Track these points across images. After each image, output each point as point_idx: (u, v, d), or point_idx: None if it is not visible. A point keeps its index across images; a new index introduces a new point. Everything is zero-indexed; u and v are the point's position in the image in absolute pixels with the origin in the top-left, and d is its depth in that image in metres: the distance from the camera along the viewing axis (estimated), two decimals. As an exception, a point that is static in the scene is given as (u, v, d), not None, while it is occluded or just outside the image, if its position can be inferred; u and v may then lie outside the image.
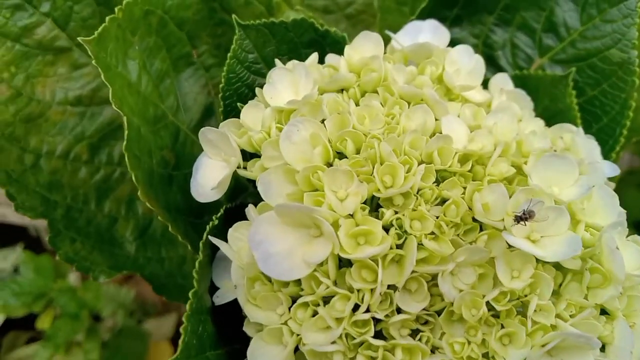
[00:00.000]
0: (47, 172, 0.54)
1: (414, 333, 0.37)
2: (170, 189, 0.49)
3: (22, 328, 0.95)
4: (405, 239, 0.36)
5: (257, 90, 0.44)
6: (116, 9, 0.46)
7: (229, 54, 0.49)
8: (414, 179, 0.36)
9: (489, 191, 0.37)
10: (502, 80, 0.48)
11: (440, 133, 0.39)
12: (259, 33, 0.50)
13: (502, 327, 0.35)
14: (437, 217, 0.37)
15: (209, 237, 0.39)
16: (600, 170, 0.39)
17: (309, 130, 0.39)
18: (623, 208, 0.38)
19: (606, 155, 0.52)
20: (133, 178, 0.43)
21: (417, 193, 0.37)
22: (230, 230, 0.40)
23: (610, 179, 0.42)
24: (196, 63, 0.55)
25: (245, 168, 0.43)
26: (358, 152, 0.39)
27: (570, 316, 0.35)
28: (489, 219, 0.36)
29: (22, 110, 0.51)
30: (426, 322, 0.37)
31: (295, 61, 0.45)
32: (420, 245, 0.36)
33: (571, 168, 0.37)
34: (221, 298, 0.41)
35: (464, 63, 0.45)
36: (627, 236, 0.40)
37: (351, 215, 0.36)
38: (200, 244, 0.40)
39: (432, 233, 0.36)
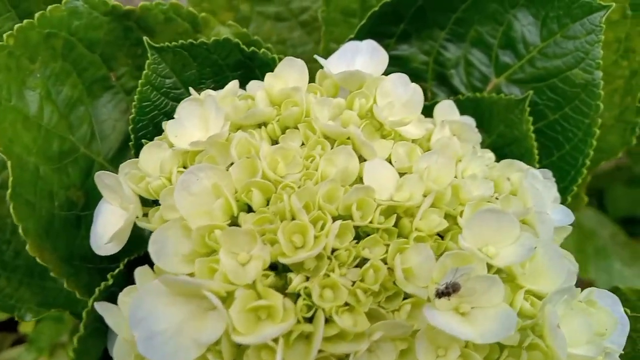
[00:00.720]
0: None
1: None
2: (78, 233, 0.44)
3: (7, 330, 0.91)
4: (316, 311, 0.31)
5: (164, 125, 0.39)
6: (5, 36, 0.40)
7: (140, 81, 0.43)
8: (325, 240, 0.31)
9: (414, 252, 0.32)
10: (447, 109, 0.43)
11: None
12: (177, 56, 0.44)
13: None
14: (354, 284, 0.31)
15: (95, 304, 0.34)
16: (549, 222, 0.34)
17: (211, 179, 0.34)
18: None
19: (567, 188, 0.47)
20: (20, 230, 0.38)
21: (332, 254, 0.32)
22: (120, 295, 0.34)
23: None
24: (115, 86, 0.49)
25: (147, 215, 0.37)
26: (268, 203, 0.34)
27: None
28: (413, 286, 0.31)
29: None
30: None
31: (208, 91, 0.40)
32: (331, 320, 0.30)
33: (510, 224, 0.32)
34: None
35: (399, 94, 0.39)
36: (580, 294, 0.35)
37: (253, 285, 0.31)
38: (84, 314, 0.34)
39: (346, 304, 0.31)
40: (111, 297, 0.36)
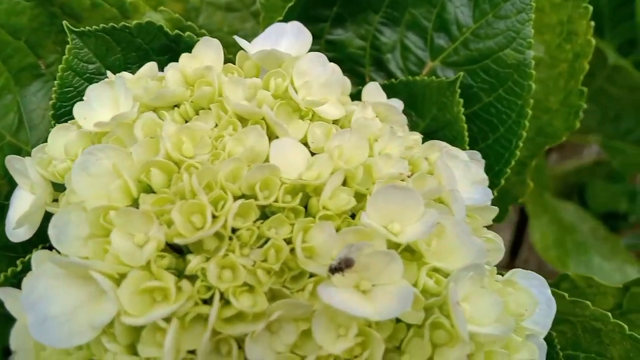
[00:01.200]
0: None
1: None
2: (1, 222, 0.43)
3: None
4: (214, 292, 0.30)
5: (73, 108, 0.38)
6: None
7: (60, 66, 0.42)
8: (224, 219, 0.30)
9: (318, 231, 0.31)
10: (374, 91, 0.42)
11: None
12: (99, 40, 0.43)
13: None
14: (254, 264, 0.30)
15: (-3, 289, 0.33)
16: (460, 200, 0.33)
17: (111, 159, 0.33)
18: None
19: (502, 170, 0.46)
20: None
21: (234, 234, 0.31)
22: (24, 279, 0.33)
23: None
24: (45, 75, 0.48)
25: (57, 200, 0.37)
26: (169, 185, 0.33)
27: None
28: (315, 264, 0.30)
29: None
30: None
31: (123, 74, 0.39)
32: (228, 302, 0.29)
33: (415, 202, 0.31)
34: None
35: (317, 74, 0.38)
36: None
37: (147, 266, 0.30)
38: (-18, 299, 0.33)
39: (247, 284, 0.30)
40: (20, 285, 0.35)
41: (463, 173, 0.37)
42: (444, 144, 0.39)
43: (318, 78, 0.38)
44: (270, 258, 0.31)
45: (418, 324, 0.30)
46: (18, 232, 0.37)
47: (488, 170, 0.45)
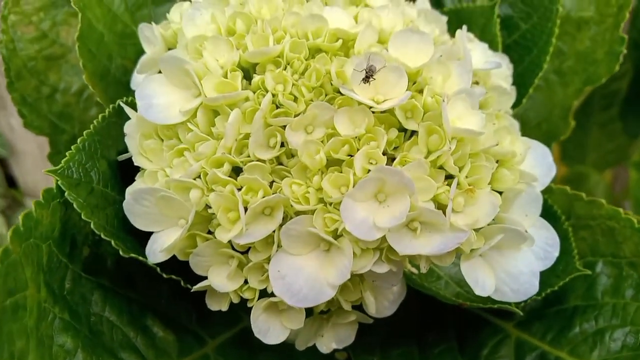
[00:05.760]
0: (61, 104, 0.63)
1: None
2: (126, 92, 0.57)
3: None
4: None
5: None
6: None
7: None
8: (280, 45, 0.41)
9: (349, 63, 0.41)
10: (421, 2, 0.52)
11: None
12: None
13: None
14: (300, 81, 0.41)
15: (120, 102, 0.46)
16: (468, 54, 0.42)
17: (210, 13, 0.45)
18: None
19: (531, 82, 0.54)
20: (81, 64, 0.51)
21: (288, 64, 0.42)
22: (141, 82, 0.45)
23: None
24: (174, 1, 0.63)
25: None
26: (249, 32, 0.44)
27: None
28: (344, 87, 0.40)
29: (45, 49, 0.61)
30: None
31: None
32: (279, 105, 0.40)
33: (427, 45, 0.40)
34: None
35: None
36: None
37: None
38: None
39: (292, 94, 0.41)
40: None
41: (481, 53, 0.45)
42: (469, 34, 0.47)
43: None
44: (312, 79, 0.41)
45: (414, 129, 0.39)
46: (139, 78, 0.50)
47: (521, 87, 0.53)
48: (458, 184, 0.38)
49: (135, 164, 0.43)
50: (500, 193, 0.41)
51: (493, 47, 0.53)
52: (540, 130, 0.65)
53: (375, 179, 0.36)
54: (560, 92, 0.65)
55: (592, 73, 0.63)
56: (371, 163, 0.38)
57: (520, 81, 0.53)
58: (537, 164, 0.44)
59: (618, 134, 1.01)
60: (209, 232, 0.41)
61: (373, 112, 0.38)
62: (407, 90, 0.39)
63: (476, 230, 0.38)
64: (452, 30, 0.53)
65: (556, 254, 0.42)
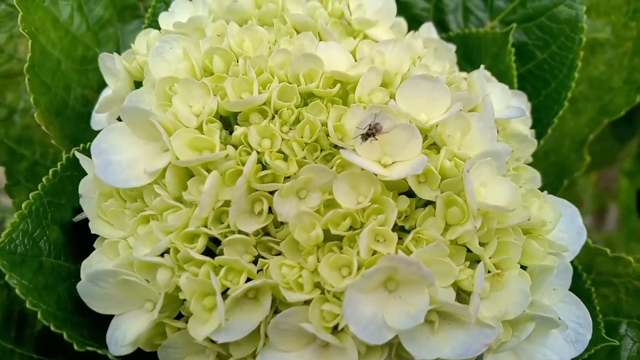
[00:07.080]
0: (19, 126, 0.56)
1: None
2: (87, 127, 0.49)
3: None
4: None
5: (159, 18, 0.44)
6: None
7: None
8: (267, 94, 0.34)
9: (349, 114, 0.34)
10: (426, 30, 0.45)
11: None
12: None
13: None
14: (290, 137, 0.34)
15: (75, 152, 0.38)
16: (489, 102, 0.35)
17: (182, 47, 0.38)
18: None
19: (550, 122, 0.48)
20: (31, 100, 0.44)
21: (276, 114, 0.35)
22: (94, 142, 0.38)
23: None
24: (143, 16, 0.56)
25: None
26: (228, 72, 0.37)
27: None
28: (342, 142, 0.33)
29: (1, 65, 0.53)
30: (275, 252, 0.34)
31: (205, -5, 0.45)
32: (266, 164, 0.33)
33: (442, 94, 0.34)
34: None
35: (372, 1, 0.42)
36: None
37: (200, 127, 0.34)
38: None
39: (282, 152, 0.34)
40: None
41: (500, 96, 0.39)
42: (483, 71, 0.41)
43: (373, 5, 0.42)
44: (305, 133, 0.34)
45: (431, 199, 0.32)
46: (99, 117, 0.43)
47: (537, 123, 0.47)
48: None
49: (93, 231, 0.36)
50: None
51: (507, 80, 0.47)
52: (549, 162, 0.59)
53: (385, 268, 0.29)
54: (571, 121, 0.59)
55: (607, 102, 0.57)
56: (378, 241, 0.31)
57: (535, 117, 0.47)
58: (566, 228, 0.38)
59: (605, 137, 0.98)
60: (181, 315, 0.34)
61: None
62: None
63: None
64: (458, 54, 0.47)
65: (589, 336, 0.36)
